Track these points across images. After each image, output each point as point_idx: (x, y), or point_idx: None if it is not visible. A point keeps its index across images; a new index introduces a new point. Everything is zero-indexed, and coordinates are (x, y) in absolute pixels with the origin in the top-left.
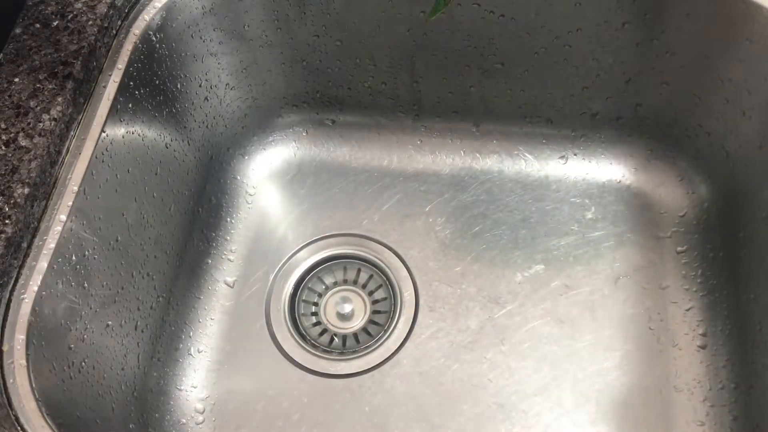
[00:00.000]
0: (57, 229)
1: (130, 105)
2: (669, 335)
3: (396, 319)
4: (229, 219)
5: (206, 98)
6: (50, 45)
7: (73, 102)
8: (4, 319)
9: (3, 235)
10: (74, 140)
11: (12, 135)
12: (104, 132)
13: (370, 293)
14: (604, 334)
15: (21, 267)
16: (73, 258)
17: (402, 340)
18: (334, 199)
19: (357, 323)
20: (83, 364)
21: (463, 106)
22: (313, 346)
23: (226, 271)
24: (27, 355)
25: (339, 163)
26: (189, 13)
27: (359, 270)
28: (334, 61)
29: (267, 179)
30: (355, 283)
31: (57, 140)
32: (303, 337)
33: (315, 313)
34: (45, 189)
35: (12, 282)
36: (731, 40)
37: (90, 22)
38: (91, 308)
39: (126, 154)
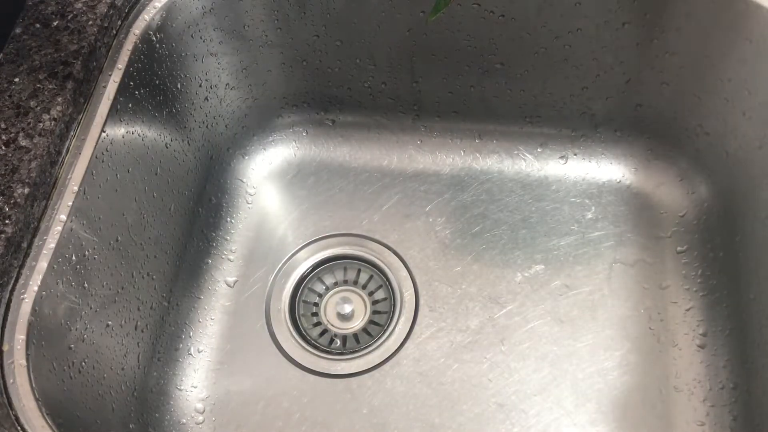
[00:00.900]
0: (57, 229)
1: (130, 105)
2: (669, 335)
3: (396, 319)
4: (229, 219)
5: (206, 98)
6: (50, 45)
7: (73, 102)
8: (4, 319)
9: (3, 235)
10: (74, 140)
11: (12, 135)
12: (104, 132)
13: (370, 293)
14: (604, 334)
15: (21, 267)
16: (73, 258)
17: (402, 340)
18: (334, 199)
19: (357, 323)
20: (83, 364)
21: (463, 106)
22: (313, 346)
23: (226, 271)
24: (27, 355)
25: (339, 163)
26: (189, 13)
27: (359, 270)
28: (334, 61)
29: (267, 179)
30: (355, 283)
31: (57, 140)
32: (303, 337)
33: (315, 314)
34: (45, 189)
35: (12, 282)
36: (731, 40)
37: (90, 22)
38: (91, 308)
39: (126, 154)
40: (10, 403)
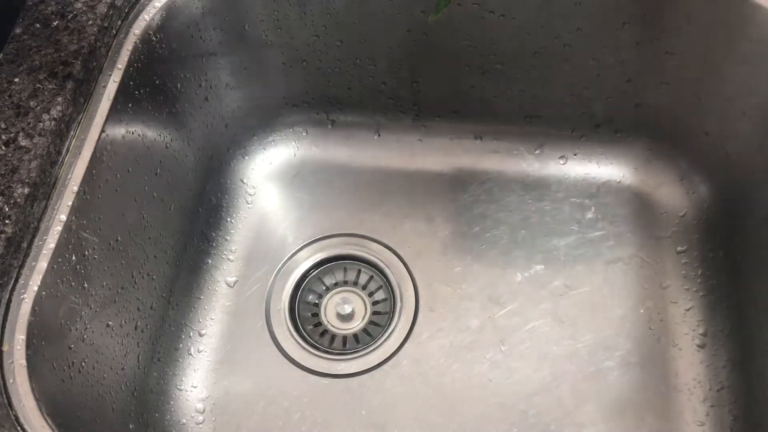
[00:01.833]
0: (57, 229)
1: (130, 105)
2: (669, 335)
3: (396, 320)
4: (229, 219)
5: (206, 98)
6: (50, 45)
7: (73, 102)
8: (4, 319)
9: (3, 235)
10: (74, 140)
11: (12, 135)
12: (104, 132)
13: (371, 294)
14: (604, 334)
15: (21, 267)
16: (73, 258)
17: (402, 340)
18: (334, 199)
19: (357, 324)
20: (83, 364)
21: (463, 106)
22: (313, 347)
23: (226, 271)
24: (27, 355)
25: (339, 163)
26: (189, 13)
27: (359, 270)
28: (334, 61)
29: (267, 179)
30: (355, 284)
31: (57, 140)
32: (303, 337)
33: (315, 314)
34: (45, 189)
35: (12, 282)
36: (731, 40)
37: (90, 22)
38: (91, 308)
39: (126, 154)
40: (10, 403)
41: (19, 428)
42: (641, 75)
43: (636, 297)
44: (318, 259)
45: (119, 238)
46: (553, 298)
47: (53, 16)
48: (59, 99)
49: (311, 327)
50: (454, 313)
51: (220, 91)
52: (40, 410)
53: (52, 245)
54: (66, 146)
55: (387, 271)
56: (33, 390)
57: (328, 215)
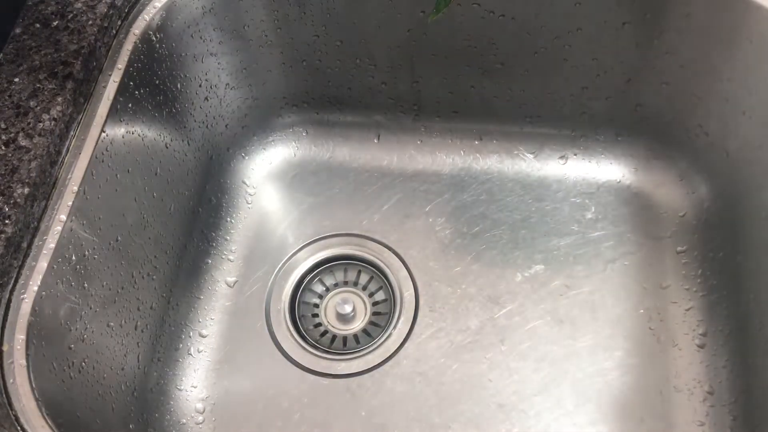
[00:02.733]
0: (57, 229)
1: (130, 105)
2: (669, 335)
3: (396, 320)
4: (229, 219)
5: (206, 98)
6: (50, 45)
7: (73, 102)
8: (4, 319)
9: (3, 235)
10: (74, 140)
11: (12, 135)
12: (104, 132)
13: (371, 294)
14: (604, 334)
15: (21, 267)
16: (73, 258)
17: (402, 340)
18: (334, 199)
19: (357, 324)
20: (83, 364)
21: (463, 106)
22: (313, 346)
23: (226, 271)
24: (27, 355)
25: (339, 163)
26: (189, 13)
27: (359, 271)
28: (334, 61)
29: (267, 179)
30: (355, 284)
31: (57, 140)
32: (303, 337)
33: (315, 314)
34: (45, 189)
35: (12, 282)
36: (731, 40)
37: (90, 22)
38: (91, 308)
39: (126, 154)
40: (10, 403)
41: (19, 428)
42: (641, 75)
43: (636, 297)
44: (318, 259)
45: (119, 238)
46: (553, 298)
47: (53, 16)
48: (59, 99)
49: (311, 327)
50: (454, 313)
51: (219, 91)
52: (40, 410)
53: (52, 245)
54: (66, 146)
55: (387, 271)
56: (33, 390)
57: (328, 215)
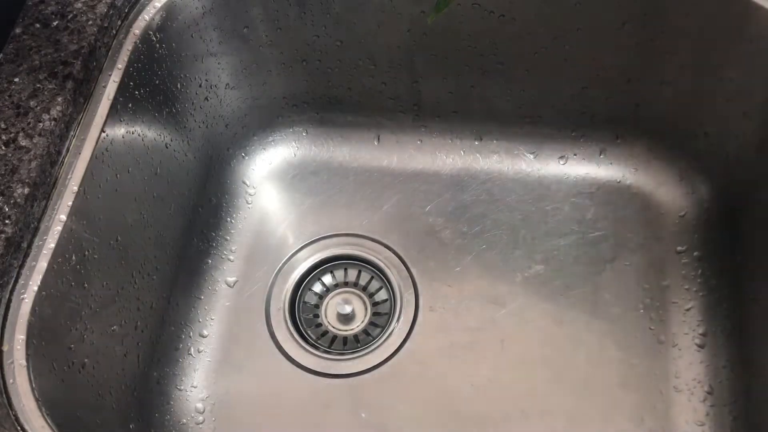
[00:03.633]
0: (57, 229)
1: (130, 105)
2: (669, 335)
3: (396, 319)
4: (229, 219)
5: (206, 98)
6: (50, 45)
7: (73, 102)
8: (4, 319)
9: (3, 235)
10: (74, 140)
11: (12, 135)
12: (104, 132)
13: (371, 295)
14: (604, 334)
15: (21, 267)
16: (73, 258)
17: (402, 340)
18: (334, 199)
19: (357, 324)
20: (83, 364)
21: (463, 106)
22: (313, 346)
23: (226, 271)
24: (27, 355)
25: (339, 163)
26: (189, 13)
27: (360, 271)
28: (334, 61)
29: (267, 179)
30: (355, 285)
31: (57, 140)
32: (303, 337)
33: (315, 315)
34: (45, 189)
35: (12, 282)
36: (731, 40)
37: (90, 22)
38: (91, 308)
39: (126, 154)
40: (9, 403)
41: (19, 428)
42: (641, 75)
43: (636, 297)
44: (318, 259)
45: (119, 238)
46: (553, 298)
47: (53, 16)
48: (59, 99)
49: (311, 327)
50: (454, 313)
51: (219, 91)
52: (40, 410)
53: (52, 245)
54: (66, 146)
55: (387, 271)
56: (33, 390)
57: (328, 215)
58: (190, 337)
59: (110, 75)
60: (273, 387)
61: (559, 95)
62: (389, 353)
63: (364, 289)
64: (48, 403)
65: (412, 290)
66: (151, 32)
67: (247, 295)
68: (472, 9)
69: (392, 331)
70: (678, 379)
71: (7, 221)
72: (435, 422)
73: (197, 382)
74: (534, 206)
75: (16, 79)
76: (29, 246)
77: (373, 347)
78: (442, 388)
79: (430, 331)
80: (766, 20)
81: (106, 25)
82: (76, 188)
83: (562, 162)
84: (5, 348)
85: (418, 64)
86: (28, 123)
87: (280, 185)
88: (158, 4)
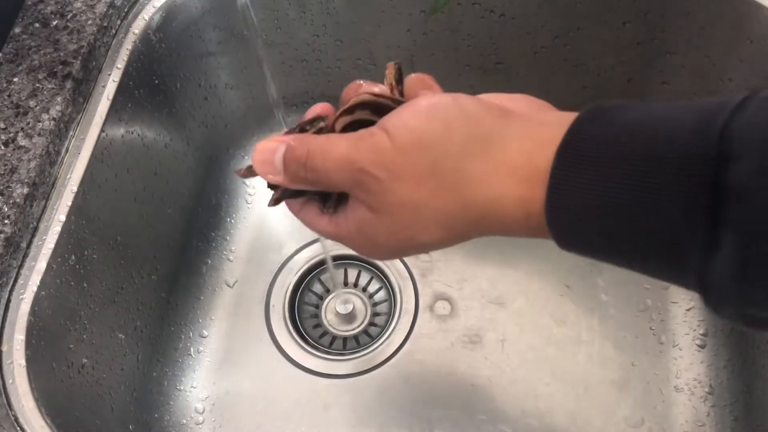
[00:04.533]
0: (56, 229)
1: (130, 105)
2: (669, 335)
3: (396, 320)
4: (229, 219)
5: (206, 98)
6: (50, 45)
7: (73, 102)
8: (4, 319)
9: (2, 235)
10: (73, 140)
11: (11, 135)
12: (103, 132)
13: (371, 295)
14: (604, 334)
15: (20, 267)
16: (73, 258)
17: (402, 340)
18: None
19: (357, 325)
20: (83, 364)
21: None
22: (313, 347)
23: (226, 271)
24: (27, 355)
25: None
26: (188, 12)
27: (360, 271)
28: (334, 61)
29: None
30: (355, 285)
31: (56, 140)
32: (303, 337)
33: (315, 315)
34: (44, 189)
35: (11, 282)
36: (732, 39)
37: (89, 22)
38: (91, 308)
39: (125, 154)
40: (9, 404)
41: (18, 428)
42: (641, 75)
43: (636, 297)
44: (318, 259)
45: (119, 238)
46: (553, 298)
47: (52, 16)
48: (58, 99)
49: (311, 327)
50: (454, 313)
51: (219, 91)
52: (40, 410)
53: (52, 245)
54: (65, 146)
55: (387, 271)
56: (33, 390)
57: None
58: (190, 337)
59: (110, 75)
60: (273, 387)
61: (559, 95)
62: (389, 353)
63: (364, 289)
64: (47, 404)
65: (412, 290)
66: (151, 32)
67: (247, 295)
68: (472, 9)
69: (392, 331)
70: (678, 379)
71: (6, 221)
72: (435, 422)
73: (197, 383)
74: None
75: (16, 79)
76: (28, 246)
77: (373, 347)
78: (442, 388)
79: (430, 332)
80: (766, 20)
81: (105, 24)
82: (75, 188)
83: None
84: (5, 348)
85: (418, 64)
86: (28, 123)
87: None
88: (158, 4)
